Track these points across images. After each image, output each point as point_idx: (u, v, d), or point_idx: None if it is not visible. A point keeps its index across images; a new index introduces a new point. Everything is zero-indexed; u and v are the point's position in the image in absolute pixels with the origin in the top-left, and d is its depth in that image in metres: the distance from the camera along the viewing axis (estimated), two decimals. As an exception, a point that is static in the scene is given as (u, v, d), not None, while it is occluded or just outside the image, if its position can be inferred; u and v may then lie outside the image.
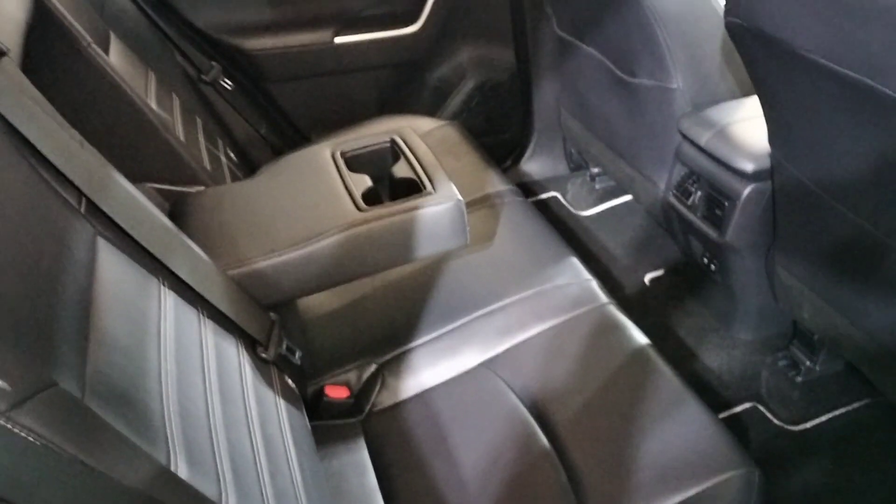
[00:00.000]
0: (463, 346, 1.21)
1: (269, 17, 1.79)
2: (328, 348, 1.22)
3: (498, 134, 2.13)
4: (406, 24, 1.87)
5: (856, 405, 1.47)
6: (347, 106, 1.95)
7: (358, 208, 1.12)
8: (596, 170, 2.12)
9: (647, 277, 1.87)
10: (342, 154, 1.27)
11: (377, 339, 1.23)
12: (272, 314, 1.03)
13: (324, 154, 1.27)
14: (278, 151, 1.86)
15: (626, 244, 1.99)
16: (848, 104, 0.88)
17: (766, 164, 1.29)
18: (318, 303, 1.28)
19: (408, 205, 1.12)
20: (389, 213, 1.11)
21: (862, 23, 0.78)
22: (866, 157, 0.93)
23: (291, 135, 1.93)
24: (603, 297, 1.26)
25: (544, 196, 2.19)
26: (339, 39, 1.84)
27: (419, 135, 1.71)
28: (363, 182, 1.20)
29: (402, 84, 2.00)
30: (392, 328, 1.24)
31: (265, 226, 1.10)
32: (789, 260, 1.32)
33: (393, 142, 1.30)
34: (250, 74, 1.83)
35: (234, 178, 1.53)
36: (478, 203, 1.50)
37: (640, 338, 1.18)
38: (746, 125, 1.37)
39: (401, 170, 1.24)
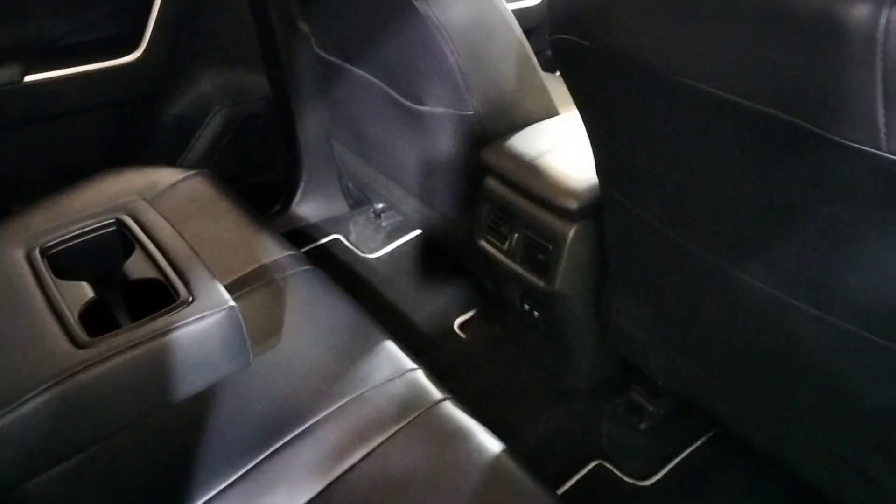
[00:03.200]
0: (262, 498, 0.87)
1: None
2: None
3: (260, 175, 1.79)
4: (124, 53, 1.46)
5: (702, 440, 1.36)
6: (56, 163, 1.49)
7: (75, 343, 0.75)
8: (380, 205, 1.85)
9: (457, 323, 1.65)
10: (43, 252, 0.88)
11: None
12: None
13: (13, 258, 0.86)
14: (-41, 234, 1.36)
15: (426, 286, 1.76)
16: (737, 142, 0.69)
17: (592, 197, 1.11)
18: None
19: (155, 326, 0.77)
20: (128, 345, 0.75)
21: (778, 39, 0.58)
22: (751, 201, 0.76)
23: (-22, 208, 1.44)
24: (435, 391, 0.99)
25: (325, 241, 1.88)
26: (31, 77, 1.39)
27: (158, 191, 1.35)
28: (80, 294, 0.83)
29: (128, 127, 1.58)
30: (157, 490, 0.87)
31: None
32: (628, 304, 1.15)
33: (120, 224, 0.92)
34: None
35: None
36: (251, 281, 1.16)
37: (492, 443, 0.93)
38: (562, 154, 1.19)
39: (138, 266, 0.88)
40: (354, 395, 0.97)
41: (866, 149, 0.57)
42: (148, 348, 0.75)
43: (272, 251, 1.23)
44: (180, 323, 0.76)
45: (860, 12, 0.54)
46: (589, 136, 0.98)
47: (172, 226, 0.91)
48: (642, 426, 1.34)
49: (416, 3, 1.11)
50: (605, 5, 0.70)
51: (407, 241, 1.88)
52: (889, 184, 0.59)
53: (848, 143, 0.58)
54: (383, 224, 1.88)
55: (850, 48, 0.55)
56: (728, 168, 0.73)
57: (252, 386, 0.97)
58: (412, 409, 0.96)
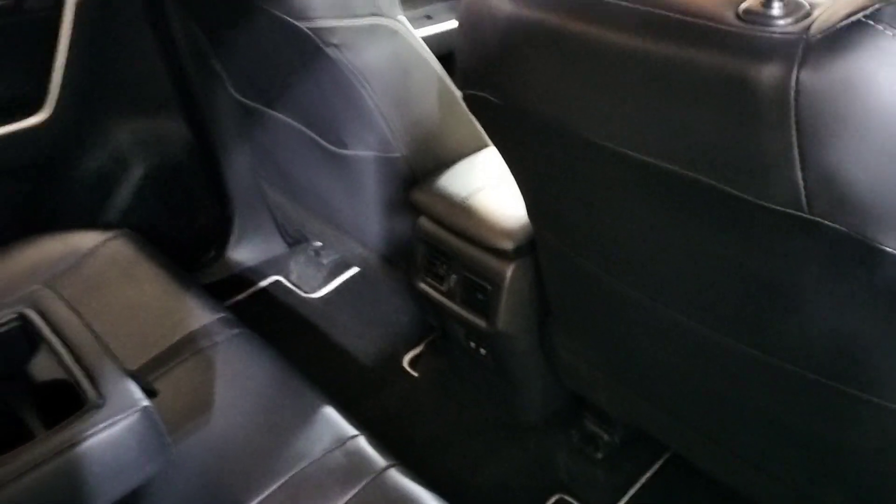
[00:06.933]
0: None
1: None
2: None
3: (189, 224, 1.72)
4: (27, 115, 1.38)
5: (660, 463, 1.34)
6: (-36, 235, 1.40)
7: (-26, 466, 0.68)
8: (319, 242, 1.80)
9: (406, 359, 1.61)
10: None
11: None
12: None
13: None
14: None
15: (373, 323, 1.71)
16: (659, 199, 0.67)
17: (527, 235, 1.08)
18: None
19: (62, 438, 0.71)
20: (34, 462, 0.69)
21: (691, 102, 0.55)
22: (678, 251, 0.73)
23: None
24: (379, 458, 0.95)
25: (265, 283, 1.82)
26: (-73, 150, 1.31)
27: (77, 258, 1.29)
28: (-19, 403, 0.76)
29: (42, 190, 1.50)
30: None
31: None
32: (572, 341, 1.12)
33: (24, 319, 0.86)
34: None
35: None
36: (179, 353, 1.10)
37: (441, 509, 0.89)
38: (493, 192, 1.15)
39: (44, 365, 0.81)
40: (293, 473, 0.92)
41: (788, 211, 0.55)
42: (56, 464, 0.69)
43: (199, 316, 1.17)
44: (90, 431, 0.71)
45: (771, 73, 0.51)
46: (516, 181, 0.95)
47: (80, 316, 0.84)
48: (599, 455, 1.32)
49: (328, 50, 1.06)
50: (508, 65, 0.67)
51: (350, 277, 1.83)
52: (813, 244, 0.57)
53: (768, 205, 0.56)
54: (324, 261, 1.83)
55: (763, 110, 0.52)
56: (654, 224, 0.71)
57: (181, 475, 0.92)
58: (355, 480, 0.91)
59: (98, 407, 0.73)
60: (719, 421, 0.97)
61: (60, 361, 0.79)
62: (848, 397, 0.73)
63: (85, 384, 0.75)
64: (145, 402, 0.74)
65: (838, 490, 0.87)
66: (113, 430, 0.72)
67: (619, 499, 1.30)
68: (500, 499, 1.30)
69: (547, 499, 1.31)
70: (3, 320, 0.85)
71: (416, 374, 1.56)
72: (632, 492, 1.31)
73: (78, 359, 0.78)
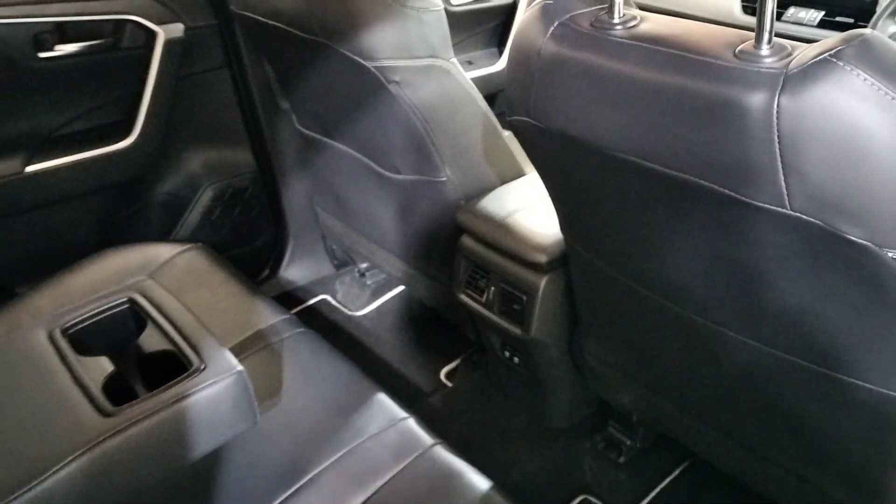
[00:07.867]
0: (273, 546, 0.95)
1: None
2: None
3: (249, 244, 1.88)
4: (118, 139, 1.57)
5: (681, 469, 1.45)
6: (58, 245, 1.58)
7: (101, 412, 0.83)
8: (364, 265, 1.96)
9: (443, 372, 1.74)
10: (64, 332, 0.96)
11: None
12: None
13: (36, 338, 0.95)
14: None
15: (412, 339, 1.85)
16: (668, 203, 0.81)
17: (559, 251, 1.22)
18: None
19: (173, 392, 0.85)
20: (150, 411, 0.83)
21: (695, 121, 0.70)
22: (684, 251, 0.87)
23: (-15, 292, 1.52)
24: (426, 437, 1.08)
25: (312, 301, 1.97)
26: (31, 168, 1.49)
27: (156, 266, 1.44)
28: (101, 368, 0.91)
29: (123, 206, 1.68)
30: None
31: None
32: (599, 347, 1.25)
33: (132, 302, 1.01)
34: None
35: None
36: (250, 346, 1.25)
37: (481, 482, 1.01)
38: (529, 213, 1.30)
39: (151, 340, 0.97)
40: (353, 446, 1.06)
41: (773, 208, 0.69)
42: (167, 414, 0.83)
43: (267, 316, 1.32)
44: (195, 389, 0.85)
45: (758, 98, 0.66)
46: (551, 197, 1.09)
47: (179, 300, 1.00)
48: (622, 460, 1.43)
49: (389, 86, 1.23)
50: (549, 94, 0.82)
51: (392, 297, 1.97)
52: (795, 236, 0.70)
53: (758, 203, 0.70)
54: (368, 282, 1.98)
55: (753, 127, 0.67)
56: (664, 225, 0.85)
57: (258, 443, 1.06)
58: (406, 455, 1.05)
59: (199, 370, 0.88)
60: (731, 414, 1.08)
61: (166, 335, 0.94)
62: (836, 382, 0.85)
63: (188, 352, 0.90)
64: (240, 368, 0.88)
65: (835, 475, 0.98)
66: (212, 390, 0.86)
67: (639, 501, 1.40)
68: (528, 497, 1.41)
69: (572, 499, 1.42)
70: (115, 303, 1.00)
71: (451, 385, 1.69)
72: (652, 495, 1.41)
73: (181, 332, 0.93)
